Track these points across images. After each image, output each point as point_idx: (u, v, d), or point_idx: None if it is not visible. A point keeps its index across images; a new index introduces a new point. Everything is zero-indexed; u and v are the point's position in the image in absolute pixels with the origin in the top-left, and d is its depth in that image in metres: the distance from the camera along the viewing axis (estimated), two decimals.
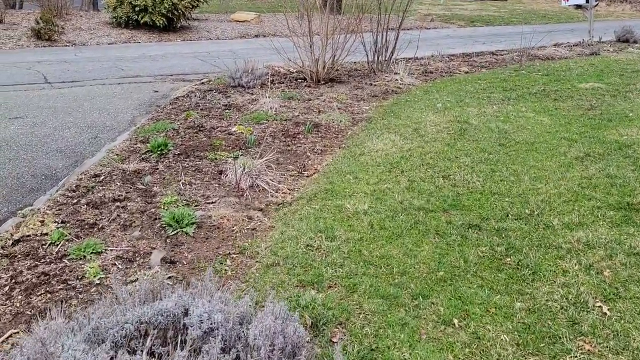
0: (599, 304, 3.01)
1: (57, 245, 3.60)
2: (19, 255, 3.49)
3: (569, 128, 6.27)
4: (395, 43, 9.27)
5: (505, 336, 2.77)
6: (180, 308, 2.28)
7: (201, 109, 7.05)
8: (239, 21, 16.96)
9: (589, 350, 2.67)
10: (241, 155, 5.30)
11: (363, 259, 3.49)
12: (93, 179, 4.78)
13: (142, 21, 13.92)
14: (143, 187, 4.61)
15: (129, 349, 2.16)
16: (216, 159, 5.29)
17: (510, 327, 2.84)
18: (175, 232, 3.82)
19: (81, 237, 3.72)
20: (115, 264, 3.39)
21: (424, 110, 7.11)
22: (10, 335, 2.74)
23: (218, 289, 3.04)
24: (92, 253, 3.48)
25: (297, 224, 3.95)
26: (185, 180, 4.77)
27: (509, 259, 3.48)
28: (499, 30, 16.89)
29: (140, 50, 12.23)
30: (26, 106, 7.36)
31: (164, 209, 4.17)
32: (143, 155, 5.39)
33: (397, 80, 8.88)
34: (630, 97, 7.75)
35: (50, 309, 2.57)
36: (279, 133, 6.12)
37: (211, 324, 2.20)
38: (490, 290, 3.15)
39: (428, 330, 2.82)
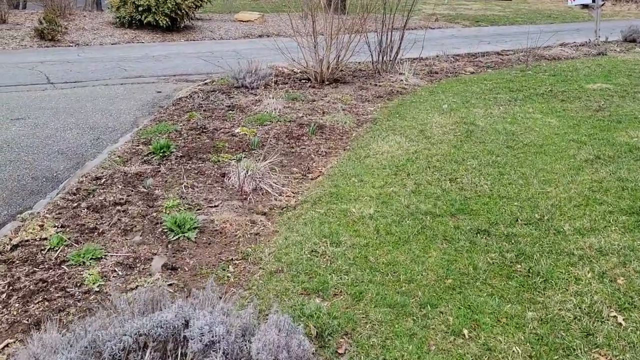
0: (613, 313, 2.91)
1: (56, 250, 3.52)
2: (17, 261, 3.41)
3: (577, 130, 6.17)
4: (400, 43, 9.17)
5: (517, 348, 2.68)
6: (180, 319, 2.20)
7: (204, 110, 6.97)
8: (243, 21, 16.88)
9: None
10: (244, 157, 5.22)
11: (369, 266, 3.40)
12: (94, 181, 4.70)
13: (145, 21, 13.86)
14: (145, 190, 4.53)
15: None
16: (219, 161, 5.21)
17: (522, 338, 2.74)
18: (177, 237, 3.74)
19: (81, 242, 3.64)
20: (115, 271, 3.31)
21: (430, 111, 7.01)
22: (7, 345, 2.66)
23: (220, 296, 2.96)
24: (91, 259, 3.40)
25: (301, 229, 3.86)
26: (187, 183, 4.69)
27: (520, 266, 3.39)
28: (504, 30, 16.76)
29: (144, 50, 12.16)
30: (28, 107, 7.29)
31: (165, 213, 4.09)
32: (145, 158, 5.31)
33: (402, 80, 8.79)
34: (639, 98, 7.63)
35: (46, 320, 2.48)
36: (282, 135, 6.03)
37: (212, 336, 2.11)
38: (501, 298, 3.06)
39: (437, 341, 2.73)
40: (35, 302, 2.99)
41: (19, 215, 4.13)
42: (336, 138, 6.04)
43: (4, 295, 3.06)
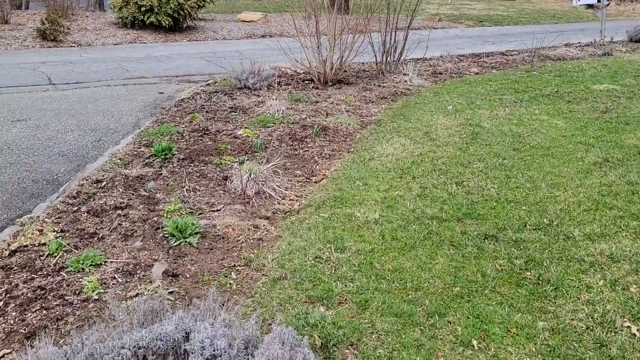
0: (627, 323, 2.83)
1: (55, 256, 3.45)
2: (16, 267, 3.34)
3: (585, 132, 6.07)
4: (404, 43, 9.08)
5: None
6: (181, 332, 2.12)
7: (206, 112, 6.90)
8: (246, 21, 16.81)
9: None
10: (247, 160, 5.14)
11: (375, 273, 3.31)
12: (95, 184, 4.63)
13: (148, 21, 13.80)
14: (146, 193, 4.46)
15: None
16: (221, 164, 5.13)
17: (534, 349, 2.66)
18: (178, 242, 3.66)
19: (80, 248, 3.57)
20: (114, 278, 3.24)
21: (435, 112, 6.92)
22: (3, 356, 2.59)
23: (222, 304, 2.89)
24: (91, 265, 3.32)
25: (305, 234, 3.79)
26: (189, 186, 4.61)
27: (529, 273, 3.30)
28: (508, 30, 16.65)
29: (146, 50, 12.10)
30: (29, 108, 7.23)
31: (167, 217, 4.02)
32: (147, 160, 5.24)
33: (406, 81, 8.70)
34: None
35: (43, 331, 2.41)
36: (285, 136, 5.96)
37: (214, 350, 2.04)
38: (511, 307, 2.97)
39: (445, 352, 2.65)
40: (33, 310, 2.92)
41: (18, 220, 4.06)
42: (340, 140, 5.96)
43: (1, 304, 2.99)
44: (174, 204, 4.23)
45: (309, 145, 5.73)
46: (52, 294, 3.05)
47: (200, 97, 7.61)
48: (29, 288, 3.11)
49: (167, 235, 3.74)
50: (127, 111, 7.23)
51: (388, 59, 9.20)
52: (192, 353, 2.04)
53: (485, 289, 3.15)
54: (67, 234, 3.76)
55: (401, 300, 3.03)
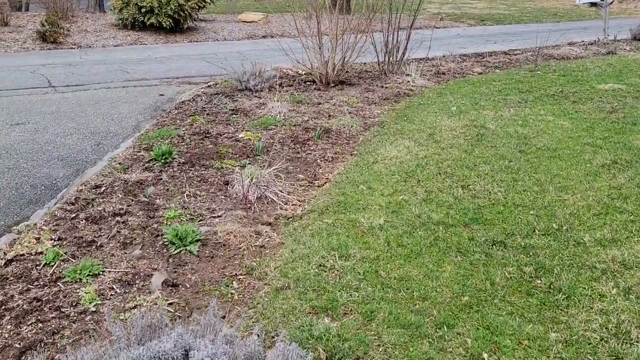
0: None
1: (52, 266, 3.36)
2: (11, 278, 3.25)
3: (591, 133, 5.97)
4: (407, 43, 8.99)
5: None
6: (180, 350, 2.03)
7: (207, 114, 6.81)
8: (246, 22, 16.71)
9: None
10: (249, 163, 5.05)
11: (380, 281, 3.22)
12: (93, 190, 4.55)
13: (148, 23, 13.71)
14: (145, 199, 4.37)
15: None
16: (222, 168, 5.04)
17: None
18: (179, 250, 3.57)
19: (78, 257, 3.48)
20: (112, 288, 3.14)
21: (438, 113, 6.82)
22: None
23: (223, 317, 2.80)
24: (88, 275, 3.23)
25: (308, 241, 3.69)
26: (189, 191, 4.52)
27: (539, 281, 3.21)
28: (510, 29, 16.52)
29: (146, 52, 12.02)
30: (28, 111, 7.15)
31: (166, 224, 3.93)
32: (146, 164, 5.15)
33: (409, 82, 8.60)
34: None
35: (38, 345, 2.32)
36: (288, 139, 5.86)
37: None
38: (521, 318, 2.88)
39: None
40: (29, 323, 2.83)
41: (15, 227, 3.98)
42: (343, 142, 5.86)
43: None
44: (174, 210, 4.14)
45: (312, 148, 5.64)
46: (48, 306, 2.96)
47: (201, 99, 7.52)
48: (24, 299, 3.02)
49: (167, 243, 3.65)
50: (127, 114, 7.15)
51: (390, 59, 9.10)
52: None
53: (495, 298, 3.05)
54: (65, 242, 3.67)
55: (408, 311, 2.94)
